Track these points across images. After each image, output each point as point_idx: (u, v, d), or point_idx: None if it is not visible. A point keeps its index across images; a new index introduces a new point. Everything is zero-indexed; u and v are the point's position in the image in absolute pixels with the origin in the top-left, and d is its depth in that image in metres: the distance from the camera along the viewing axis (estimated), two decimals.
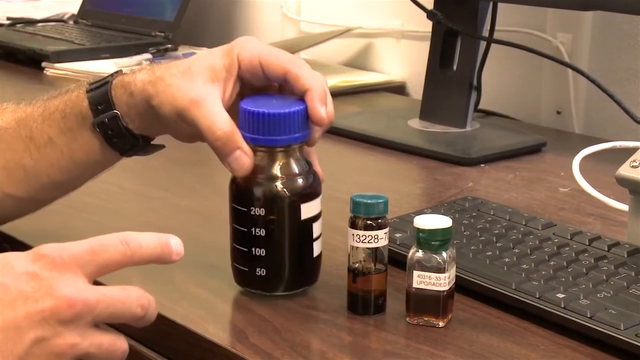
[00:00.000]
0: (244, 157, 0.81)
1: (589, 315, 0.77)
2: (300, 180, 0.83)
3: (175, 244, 0.71)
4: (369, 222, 0.80)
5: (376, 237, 0.80)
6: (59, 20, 2.16)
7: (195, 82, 0.82)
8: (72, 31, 2.02)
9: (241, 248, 0.84)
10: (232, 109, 0.84)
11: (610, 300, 0.79)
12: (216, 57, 0.84)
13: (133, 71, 0.87)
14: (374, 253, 0.81)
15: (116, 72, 0.89)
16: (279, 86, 0.86)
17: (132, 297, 0.68)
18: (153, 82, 0.84)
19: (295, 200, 0.82)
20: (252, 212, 0.82)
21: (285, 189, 0.82)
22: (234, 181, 0.84)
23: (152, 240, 0.70)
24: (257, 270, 0.83)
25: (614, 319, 0.76)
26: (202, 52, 0.88)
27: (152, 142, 0.91)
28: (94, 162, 0.90)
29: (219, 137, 0.81)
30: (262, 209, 0.82)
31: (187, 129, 0.84)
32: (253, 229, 0.82)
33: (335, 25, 1.82)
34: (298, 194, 0.82)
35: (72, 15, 2.16)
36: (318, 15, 1.90)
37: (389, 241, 0.85)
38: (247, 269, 0.84)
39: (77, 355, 0.66)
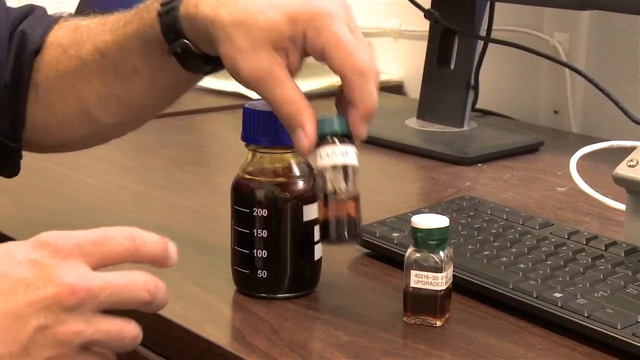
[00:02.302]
0: (302, 137, 0.77)
1: (586, 315, 0.77)
2: (301, 183, 0.83)
3: (172, 250, 0.69)
4: (335, 138, 0.77)
5: (345, 153, 0.77)
6: None
7: (258, 52, 0.77)
8: None
9: (243, 250, 0.84)
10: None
11: (608, 300, 0.79)
12: (280, 20, 0.77)
13: None
14: (344, 172, 0.77)
15: None
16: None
17: (138, 283, 0.66)
18: (214, 24, 0.79)
19: (297, 202, 0.82)
20: (254, 213, 0.82)
21: (287, 191, 0.82)
22: (235, 184, 0.84)
23: (155, 240, 0.69)
24: (259, 273, 0.83)
25: (611, 318, 0.76)
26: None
27: None
28: (179, 84, 0.90)
29: (285, 115, 0.77)
30: (265, 210, 0.82)
31: None
32: (255, 230, 0.83)
33: None
34: (299, 196, 0.82)
35: (69, 15, 2.16)
36: None
37: (386, 240, 0.85)
38: (248, 272, 0.84)
39: (83, 343, 0.65)
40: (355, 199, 0.77)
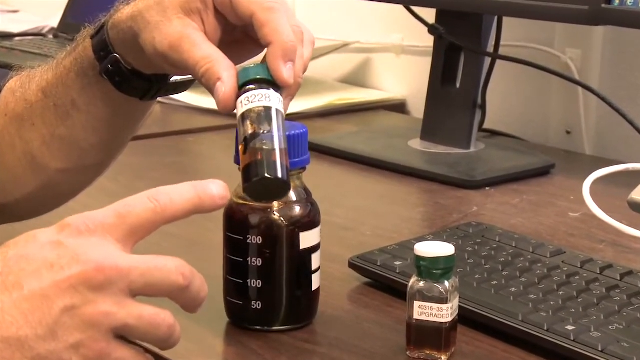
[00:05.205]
0: (219, 88, 0.76)
1: (600, 349, 0.78)
2: (298, 208, 0.83)
3: (216, 188, 0.68)
4: (254, 85, 0.75)
5: (265, 97, 0.74)
6: (37, 34, 2.16)
7: (171, 21, 0.79)
8: (51, 46, 2.02)
9: (236, 280, 0.84)
10: (232, 48, 0.80)
11: (623, 333, 0.79)
12: None
13: (124, 5, 0.84)
14: (265, 116, 0.74)
15: (114, 9, 0.85)
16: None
17: (170, 266, 0.66)
18: (134, 17, 0.81)
19: (293, 228, 0.83)
20: (248, 241, 0.83)
21: (282, 217, 0.83)
22: (228, 210, 0.84)
23: (186, 191, 0.68)
24: (253, 304, 0.83)
25: (626, 352, 0.77)
26: None
27: (173, 80, 0.88)
28: (121, 115, 0.89)
29: (203, 74, 0.77)
30: (259, 237, 0.82)
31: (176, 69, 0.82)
32: (249, 259, 0.83)
33: (332, 40, 1.83)
34: (296, 222, 0.83)
35: (52, 29, 2.17)
36: (314, 29, 1.88)
37: (388, 269, 0.85)
38: (241, 303, 0.84)
39: (114, 325, 0.64)
40: (280, 143, 0.73)
